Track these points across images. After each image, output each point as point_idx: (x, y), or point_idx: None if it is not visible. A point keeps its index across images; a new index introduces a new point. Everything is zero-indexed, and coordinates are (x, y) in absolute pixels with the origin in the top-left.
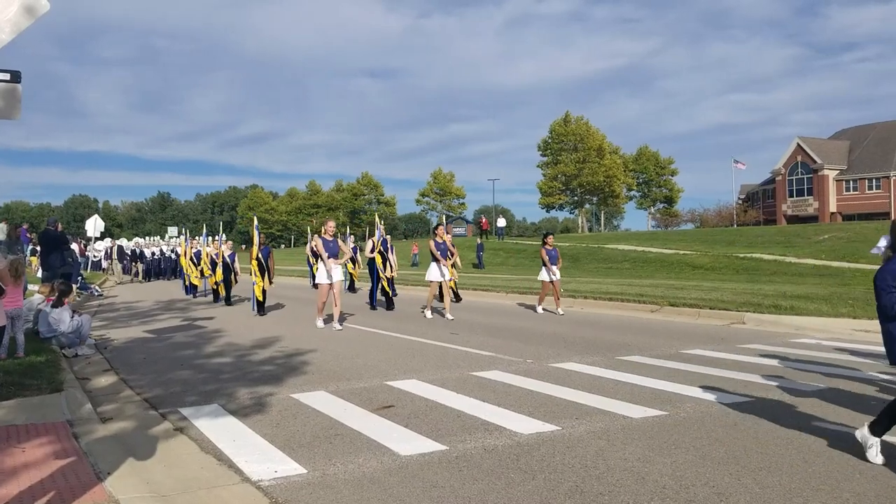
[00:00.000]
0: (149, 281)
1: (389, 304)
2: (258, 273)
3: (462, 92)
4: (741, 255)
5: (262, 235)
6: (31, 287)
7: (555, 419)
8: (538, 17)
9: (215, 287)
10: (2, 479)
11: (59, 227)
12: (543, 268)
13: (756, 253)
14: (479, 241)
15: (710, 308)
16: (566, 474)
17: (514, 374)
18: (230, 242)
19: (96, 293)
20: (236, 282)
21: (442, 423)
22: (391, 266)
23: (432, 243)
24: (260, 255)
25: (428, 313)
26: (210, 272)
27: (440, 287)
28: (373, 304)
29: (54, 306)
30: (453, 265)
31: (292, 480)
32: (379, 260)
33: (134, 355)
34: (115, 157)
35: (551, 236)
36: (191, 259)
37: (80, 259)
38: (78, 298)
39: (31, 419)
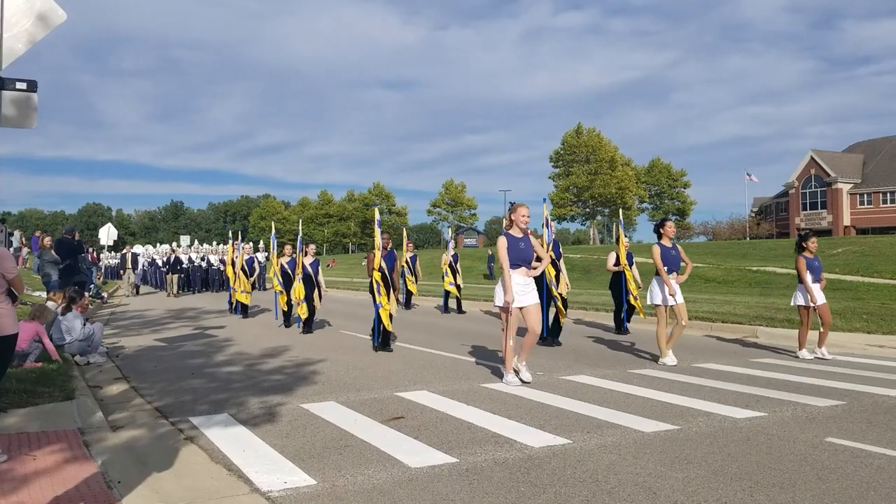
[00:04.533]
0: (190, 293)
1: (556, 333)
2: (384, 290)
3: (476, 103)
4: (754, 269)
5: (385, 237)
6: (41, 294)
7: (566, 432)
8: (554, 29)
9: (287, 307)
10: (14, 486)
11: (77, 235)
12: (801, 287)
13: (769, 266)
14: (489, 252)
15: (723, 321)
16: (577, 488)
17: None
18: (312, 247)
19: (104, 300)
20: (321, 299)
21: (452, 435)
22: (564, 280)
23: (658, 249)
24: (384, 265)
25: (669, 357)
26: (281, 288)
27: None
28: (544, 333)
29: (64, 313)
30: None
31: (302, 491)
32: (551, 272)
33: (145, 364)
34: (131, 167)
35: (814, 240)
36: (242, 269)
37: (92, 267)
38: (91, 307)
39: (42, 427)
